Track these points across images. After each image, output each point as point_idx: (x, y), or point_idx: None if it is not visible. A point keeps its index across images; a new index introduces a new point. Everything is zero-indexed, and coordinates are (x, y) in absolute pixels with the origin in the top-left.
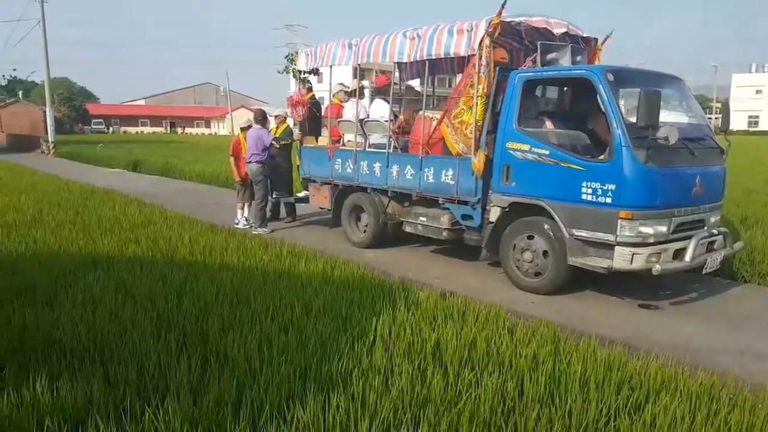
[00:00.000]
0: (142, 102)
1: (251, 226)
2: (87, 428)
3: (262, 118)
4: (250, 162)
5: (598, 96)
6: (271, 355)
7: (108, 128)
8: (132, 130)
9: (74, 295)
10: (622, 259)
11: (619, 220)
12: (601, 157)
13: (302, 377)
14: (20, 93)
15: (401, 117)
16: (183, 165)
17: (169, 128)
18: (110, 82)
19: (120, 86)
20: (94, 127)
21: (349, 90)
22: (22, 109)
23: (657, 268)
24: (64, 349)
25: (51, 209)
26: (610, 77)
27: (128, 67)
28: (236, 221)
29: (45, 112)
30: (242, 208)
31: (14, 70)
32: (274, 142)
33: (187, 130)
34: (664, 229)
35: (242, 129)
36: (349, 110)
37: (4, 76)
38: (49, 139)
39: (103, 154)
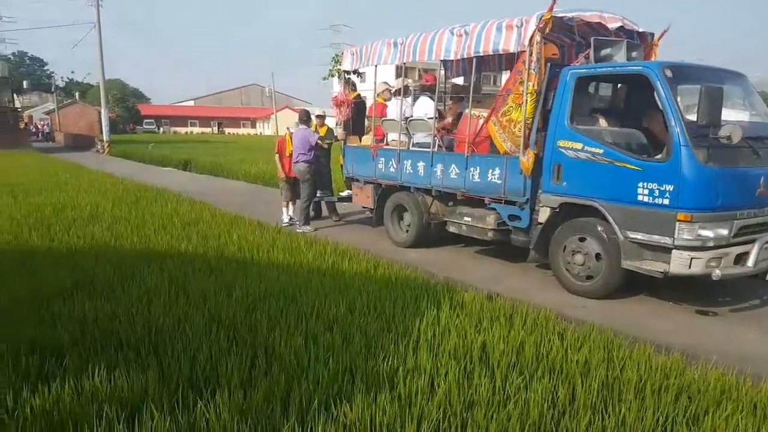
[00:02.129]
0: (191, 103)
1: (295, 225)
2: (143, 417)
3: (306, 118)
4: (297, 162)
5: (655, 93)
6: (317, 352)
7: (158, 128)
8: (181, 130)
9: (130, 290)
10: (679, 264)
11: (677, 223)
12: (659, 156)
13: (349, 375)
14: (77, 94)
15: (448, 117)
16: (230, 164)
17: (217, 129)
18: (161, 84)
19: (170, 87)
20: (145, 127)
21: (394, 89)
22: (79, 110)
23: (717, 274)
24: (121, 341)
25: (107, 206)
26: (669, 73)
27: (178, 68)
28: (282, 220)
29: (100, 112)
30: (287, 206)
31: (72, 72)
32: (319, 141)
33: (234, 130)
34: (725, 232)
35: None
36: (394, 109)
37: (62, 78)
38: (104, 138)
39: (154, 153)
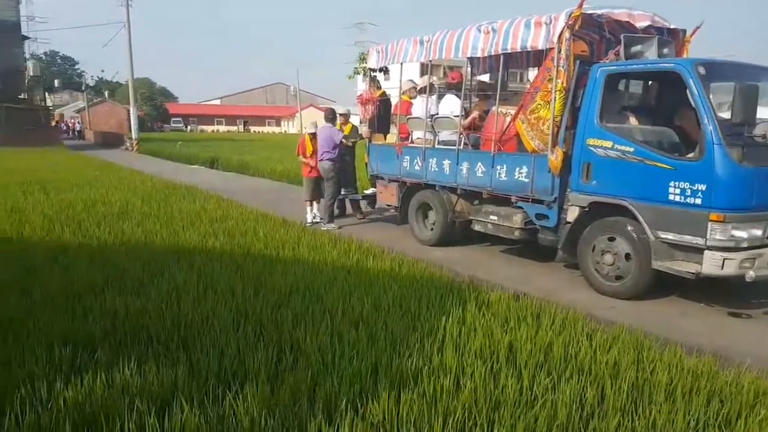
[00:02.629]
0: (217, 101)
1: (320, 222)
2: (173, 410)
3: (332, 116)
4: (321, 160)
5: (687, 90)
6: (342, 349)
7: (186, 126)
8: (208, 128)
9: (160, 285)
10: (712, 264)
11: (710, 223)
12: (691, 155)
13: (374, 372)
14: (106, 93)
15: (474, 114)
16: (257, 162)
17: (242, 127)
18: (188, 83)
19: (197, 86)
20: (173, 125)
21: (419, 87)
22: (108, 108)
23: (750, 275)
24: (151, 336)
25: (136, 203)
26: (702, 70)
27: (206, 67)
28: (306, 219)
29: (129, 110)
30: (310, 206)
31: (102, 71)
32: (344, 140)
33: (259, 128)
34: (759, 232)
35: (310, 134)
36: (419, 107)
37: (92, 76)
38: (133, 136)
39: (182, 151)
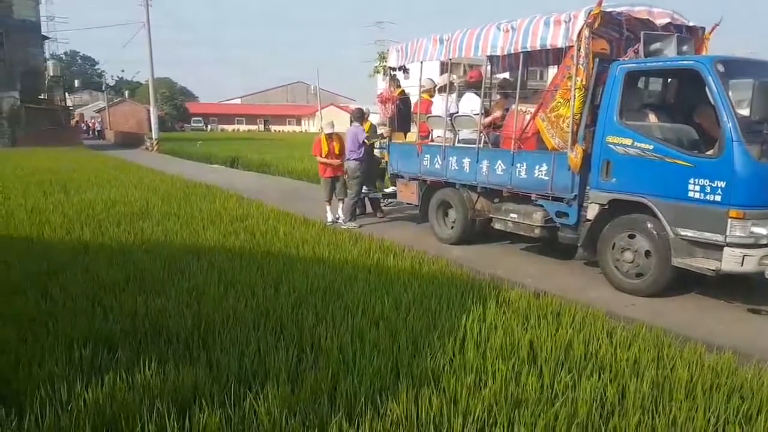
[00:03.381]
0: (237, 101)
1: (340, 222)
2: (193, 411)
3: (359, 115)
4: (348, 159)
5: (706, 88)
6: (363, 348)
7: (206, 126)
8: (228, 128)
9: (180, 284)
10: (731, 261)
11: (729, 220)
12: (710, 152)
13: (394, 371)
14: (126, 93)
15: (497, 113)
16: (277, 162)
17: (263, 126)
18: (209, 82)
19: (218, 85)
20: (193, 125)
21: (439, 85)
22: (128, 108)
23: None
24: (171, 335)
25: (156, 202)
26: (721, 68)
27: (226, 66)
28: (327, 219)
29: (149, 110)
30: (329, 205)
31: (122, 71)
32: (366, 140)
33: (279, 127)
34: None
35: (327, 134)
36: (439, 105)
37: (112, 76)
38: (153, 136)
39: (202, 150)
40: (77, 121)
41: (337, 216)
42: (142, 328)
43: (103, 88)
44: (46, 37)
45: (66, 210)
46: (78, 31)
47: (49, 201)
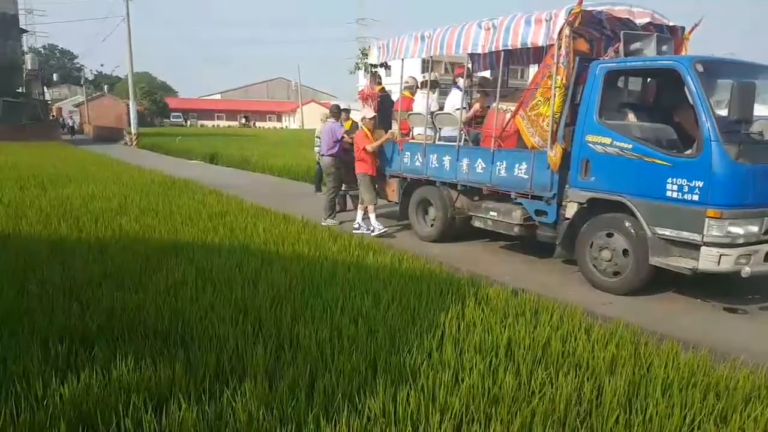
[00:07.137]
0: (218, 96)
1: (361, 229)
2: (170, 406)
3: (336, 111)
4: (323, 155)
5: (685, 88)
6: (341, 344)
7: (186, 121)
8: (208, 123)
9: (158, 280)
10: (708, 260)
11: (707, 219)
12: (689, 152)
13: (372, 368)
14: (105, 87)
15: (477, 106)
16: (257, 158)
17: (244, 121)
18: (188, 77)
19: (197, 81)
20: (172, 120)
21: (420, 82)
22: (108, 103)
23: (747, 271)
24: (148, 331)
25: (135, 198)
26: (700, 68)
27: (205, 62)
28: (374, 228)
29: (128, 105)
30: (372, 210)
31: (101, 65)
32: (345, 135)
33: (260, 124)
34: (755, 229)
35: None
36: (420, 103)
37: (92, 71)
38: (132, 131)
39: (182, 146)
40: (55, 116)
41: (376, 227)
42: (119, 324)
43: (82, 83)
44: (24, 30)
45: (43, 205)
46: (57, 25)
47: (26, 195)
